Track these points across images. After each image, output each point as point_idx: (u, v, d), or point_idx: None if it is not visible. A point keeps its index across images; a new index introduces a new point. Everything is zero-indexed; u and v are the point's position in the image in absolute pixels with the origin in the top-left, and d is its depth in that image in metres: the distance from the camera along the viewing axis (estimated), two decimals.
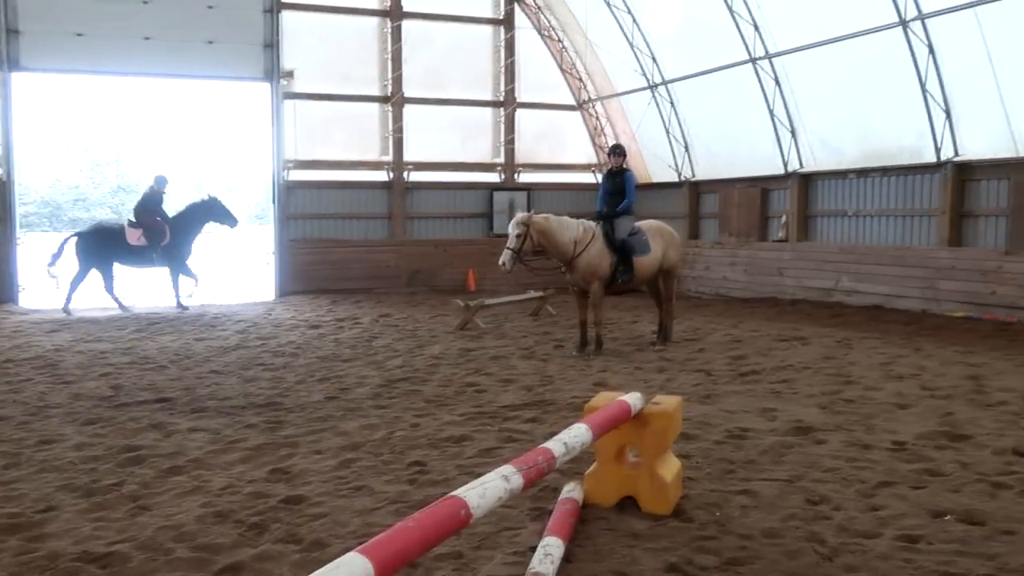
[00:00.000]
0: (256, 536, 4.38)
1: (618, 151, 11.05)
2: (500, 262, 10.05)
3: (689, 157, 19.15)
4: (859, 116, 14.99)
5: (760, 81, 16.29)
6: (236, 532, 4.42)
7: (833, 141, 15.78)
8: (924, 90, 13.44)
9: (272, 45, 18.00)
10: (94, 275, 15.12)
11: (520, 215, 10.16)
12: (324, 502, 4.88)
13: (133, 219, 15.44)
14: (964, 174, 13.61)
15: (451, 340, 11.51)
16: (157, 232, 15.27)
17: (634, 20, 18.68)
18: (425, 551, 2.63)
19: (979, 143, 13.30)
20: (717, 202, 18.79)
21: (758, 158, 17.20)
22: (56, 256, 14.75)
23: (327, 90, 19.00)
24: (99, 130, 58.90)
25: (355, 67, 19.35)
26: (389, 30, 19.35)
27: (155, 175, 16.18)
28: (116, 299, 15.16)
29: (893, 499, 4.85)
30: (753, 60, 16.20)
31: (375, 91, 19.56)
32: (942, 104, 13.39)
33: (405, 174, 19.58)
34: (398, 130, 19.44)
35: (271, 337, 11.84)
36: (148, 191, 15.83)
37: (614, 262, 10.32)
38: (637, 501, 4.68)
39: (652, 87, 19.10)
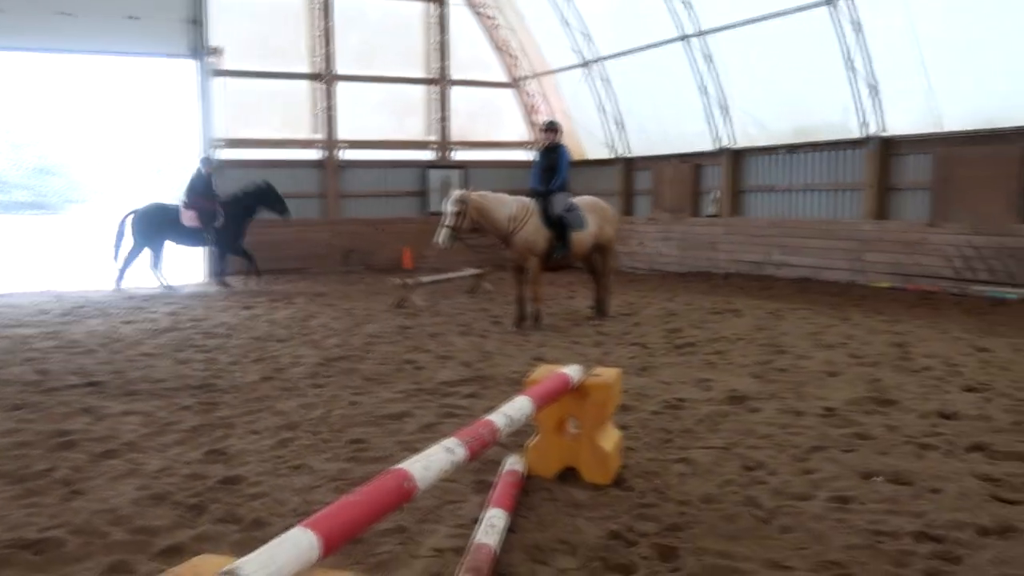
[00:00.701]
0: (195, 517, 4.31)
1: (552, 127, 11.04)
2: (438, 240, 9.98)
3: (623, 134, 19.28)
4: (788, 93, 15.26)
5: (692, 58, 16.46)
6: (174, 514, 4.34)
7: (763, 117, 16.04)
8: (851, 67, 13.73)
9: (198, 21, 17.55)
10: (144, 252, 15.51)
11: (457, 192, 10.09)
12: (263, 482, 4.82)
13: (186, 200, 15.58)
14: (889, 149, 13.98)
15: (388, 318, 11.44)
16: (211, 214, 15.48)
17: None
18: (371, 524, 2.62)
19: (903, 119, 13.67)
20: (651, 178, 18.97)
21: (690, 135, 17.40)
22: (119, 239, 15.22)
23: (256, 67, 18.61)
24: (17, 110, 56.92)
25: (285, 44, 19.00)
26: (320, 6, 19.01)
27: (201, 156, 16.24)
28: (160, 277, 15.49)
29: (825, 462, 5.00)
30: (684, 37, 16.35)
31: (306, 68, 19.24)
32: (868, 81, 13.70)
33: (338, 152, 19.34)
34: (330, 108, 19.17)
35: (203, 319, 11.61)
36: (196, 173, 15.82)
37: (550, 238, 10.35)
38: (578, 471, 4.73)
39: (586, 64, 19.16)
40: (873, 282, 13.74)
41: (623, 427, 5.54)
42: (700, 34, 16.11)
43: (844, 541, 3.89)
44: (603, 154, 19.89)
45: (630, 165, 19.51)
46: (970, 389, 6.75)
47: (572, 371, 4.64)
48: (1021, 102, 12.01)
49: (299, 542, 2.20)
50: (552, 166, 10.66)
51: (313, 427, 5.96)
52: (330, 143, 19.25)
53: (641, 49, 17.52)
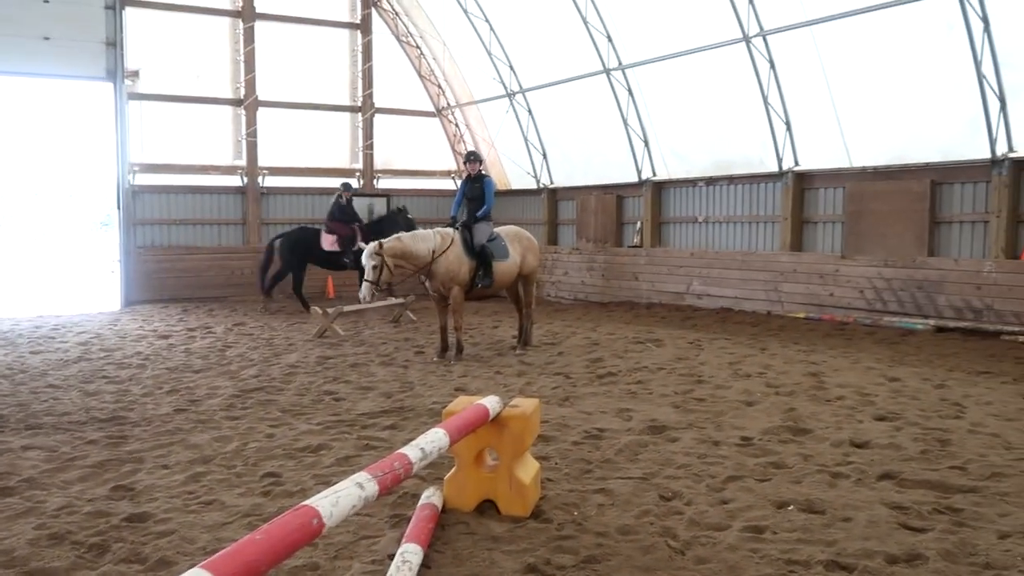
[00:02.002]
0: (96, 557, 4.13)
1: (473, 157, 11.12)
2: (360, 296, 10.03)
3: (547, 164, 19.46)
4: (708, 126, 15.62)
5: (614, 91, 16.73)
6: (74, 554, 4.15)
7: (684, 150, 16.36)
8: (766, 103, 14.13)
9: (115, 43, 17.14)
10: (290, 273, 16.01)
11: (371, 246, 10.01)
12: (171, 519, 4.65)
13: (327, 225, 16.02)
14: (803, 183, 14.38)
15: (309, 348, 11.26)
16: (350, 238, 15.87)
17: (491, 28, 18.85)
18: (275, 564, 2.53)
19: (816, 154, 14.08)
20: (574, 209, 19.15)
21: (613, 166, 17.66)
22: (266, 262, 15.95)
23: (176, 91, 18.28)
24: None
25: (206, 68, 18.72)
26: (241, 31, 18.80)
27: (341, 182, 16.79)
28: (302, 300, 15.86)
29: (741, 492, 5.05)
30: (607, 71, 16.62)
31: (228, 93, 18.96)
32: (783, 117, 14.11)
33: (260, 179, 19.06)
34: (252, 134, 18.90)
35: (116, 348, 11.25)
36: (335, 198, 16.26)
37: (473, 267, 10.35)
38: (496, 504, 4.68)
39: (510, 95, 19.32)
40: (789, 312, 14.06)
41: (543, 458, 5.53)
42: (622, 68, 16.39)
43: (757, 571, 3.92)
44: (527, 184, 20.02)
45: (554, 195, 19.68)
46: (881, 418, 6.92)
47: (490, 402, 4.61)
48: (927, 138, 12.51)
49: None
50: (477, 195, 10.72)
51: (227, 461, 5.80)
52: (252, 170, 18.96)
53: (565, 81, 17.74)
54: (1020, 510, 4.70)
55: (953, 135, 12.19)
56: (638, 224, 17.40)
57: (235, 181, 18.99)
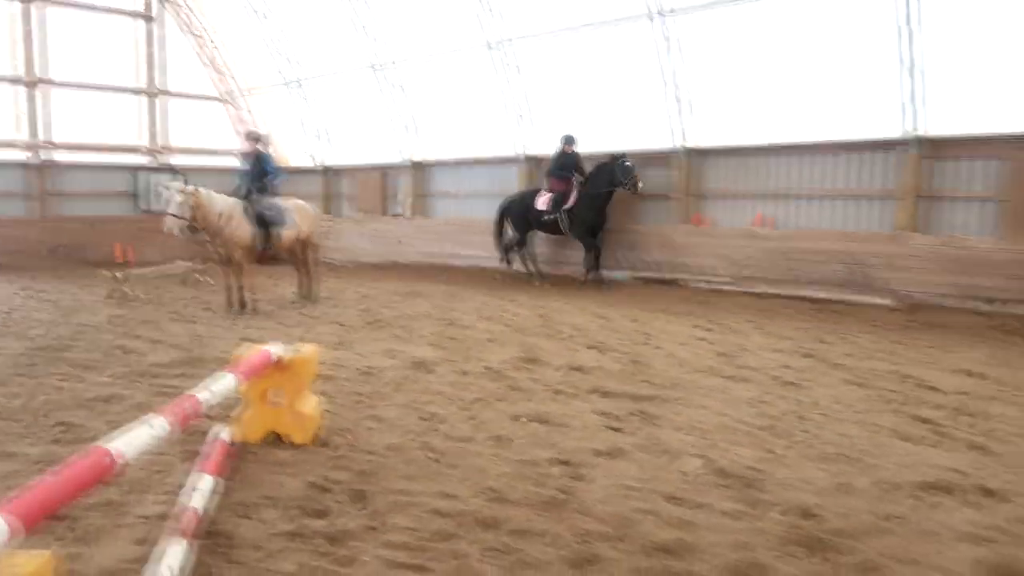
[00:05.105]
0: None
1: (255, 137, 10.67)
2: (167, 228, 9.07)
3: (324, 145, 18.83)
4: (461, 118, 15.72)
5: (381, 81, 16.43)
6: None
7: (443, 134, 16.39)
8: (506, 96, 14.44)
9: None
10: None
11: (183, 186, 9.29)
12: None
13: (548, 182, 12.75)
14: (532, 166, 14.88)
15: (99, 309, 10.25)
16: (561, 197, 12.48)
17: (273, 24, 17.82)
18: (72, 499, 2.33)
19: (545, 141, 14.57)
20: (348, 185, 18.72)
21: (382, 147, 17.39)
22: (499, 228, 13.63)
23: None
24: None
25: None
26: (20, 12, 16.47)
27: (564, 134, 12.80)
28: (527, 265, 13.61)
29: (485, 410, 5.25)
30: (373, 66, 16.27)
31: (7, 71, 16.59)
32: (522, 107, 14.48)
33: (42, 154, 16.91)
34: (32, 112, 16.71)
35: None
36: (557, 152, 12.74)
37: (256, 234, 9.88)
38: (281, 435, 4.56)
39: (287, 84, 18.45)
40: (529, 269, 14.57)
41: (322, 394, 5.43)
42: (390, 63, 16.11)
43: (498, 471, 4.11)
44: (306, 163, 19.26)
45: (330, 173, 19.10)
46: (592, 347, 7.43)
47: (274, 348, 4.46)
48: (630, 132, 13.29)
49: None
50: (257, 172, 10.27)
51: (14, 415, 5.19)
52: (34, 145, 16.79)
53: (336, 73, 17.19)
54: (689, 409, 5.25)
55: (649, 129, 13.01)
56: (399, 196, 17.35)
57: (18, 156, 16.74)
